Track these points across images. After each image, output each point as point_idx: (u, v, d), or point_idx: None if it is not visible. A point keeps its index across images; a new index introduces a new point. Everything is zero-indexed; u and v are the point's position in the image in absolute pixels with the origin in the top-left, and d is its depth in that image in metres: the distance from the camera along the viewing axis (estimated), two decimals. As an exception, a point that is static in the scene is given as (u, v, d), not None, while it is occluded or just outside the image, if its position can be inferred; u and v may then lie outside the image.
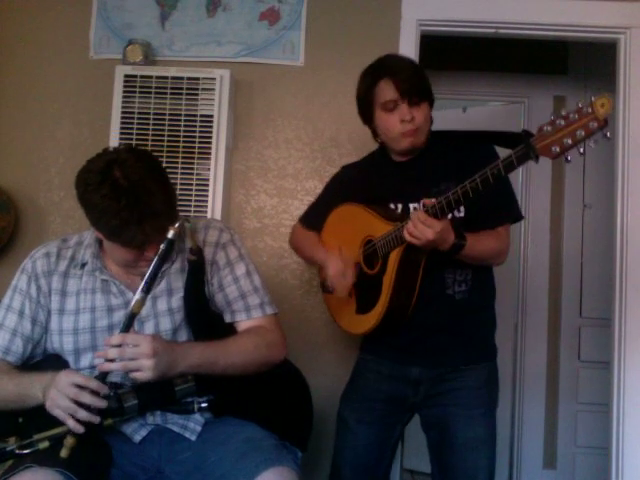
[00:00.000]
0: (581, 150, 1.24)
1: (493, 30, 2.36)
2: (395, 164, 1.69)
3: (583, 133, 1.21)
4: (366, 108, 1.66)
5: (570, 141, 1.23)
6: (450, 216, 1.57)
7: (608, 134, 1.22)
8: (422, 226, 1.41)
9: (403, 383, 1.66)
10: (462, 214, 1.59)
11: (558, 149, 1.24)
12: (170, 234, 1.25)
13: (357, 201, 1.70)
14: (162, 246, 1.25)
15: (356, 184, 1.75)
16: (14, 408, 1.31)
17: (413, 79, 1.56)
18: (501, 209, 1.62)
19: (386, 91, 1.58)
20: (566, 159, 1.26)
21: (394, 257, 1.56)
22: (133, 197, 1.21)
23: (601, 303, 2.82)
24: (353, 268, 1.65)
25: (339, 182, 1.83)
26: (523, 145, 1.28)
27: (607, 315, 2.40)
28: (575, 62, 3.36)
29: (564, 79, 3.34)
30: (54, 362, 1.41)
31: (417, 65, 1.65)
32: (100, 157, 1.28)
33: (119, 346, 1.22)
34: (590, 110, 1.20)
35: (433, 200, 1.43)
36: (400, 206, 1.63)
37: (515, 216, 1.67)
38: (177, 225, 1.26)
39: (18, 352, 1.40)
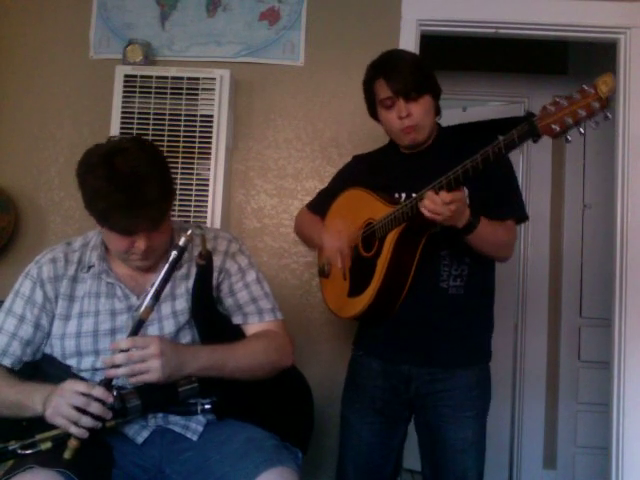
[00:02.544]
0: (581, 130, 1.24)
1: (493, 30, 2.36)
2: (403, 156, 1.70)
3: (584, 112, 1.21)
4: (370, 104, 1.69)
5: (571, 120, 1.23)
6: None
7: (609, 115, 1.22)
8: (440, 201, 1.38)
9: (396, 379, 1.66)
10: None
11: (558, 128, 1.24)
12: (181, 241, 1.26)
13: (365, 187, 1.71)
14: (173, 253, 1.26)
15: (364, 173, 1.76)
16: (10, 416, 1.30)
17: (408, 77, 1.56)
18: (508, 204, 1.63)
19: (382, 90, 1.60)
20: (566, 139, 1.27)
21: (390, 239, 1.56)
22: (126, 182, 1.22)
23: (601, 303, 2.82)
24: (350, 246, 1.63)
25: (348, 171, 1.85)
26: (525, 123, 1.29)
27: (607, 315, 2.40)
28: (575, 62, 3.37)
29: (564, 79, 3.34)
30: (54, 363, 1.40)
31: (416, 60, 1.65)
32: (106, 143, 1.30)
33: (126, 350, 1.22)
34: (593, 90, 1.20)
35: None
36: (404, 196, 1.63)
37: (520, 214, 1.66)
38: (189, 232, 1.27)
39: (15, 355, 1.39)
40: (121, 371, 1.22)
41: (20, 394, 1.29)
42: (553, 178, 3.33)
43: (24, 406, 1.27)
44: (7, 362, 1.39)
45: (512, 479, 3.25)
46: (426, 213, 1.41)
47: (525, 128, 1.29)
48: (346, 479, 1.73)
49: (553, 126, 1.25)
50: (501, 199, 1.60)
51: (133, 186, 1.22)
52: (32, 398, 1.25)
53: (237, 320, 1.47)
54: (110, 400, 1.21)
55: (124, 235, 1.30)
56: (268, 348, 1.40)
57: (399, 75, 1.57)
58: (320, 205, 1.85)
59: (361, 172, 1.78)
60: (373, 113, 1.70)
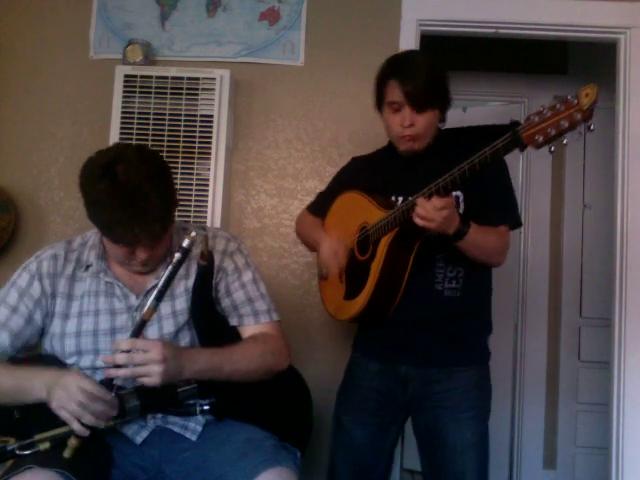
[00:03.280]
0: (564, 142, 1.24)
1: (493, 30, 2.36)
2: (401, 159, 1.69)
3: (567, 124, 1.21)
4: (379, 99, 1.67)
5: (554, 131, 1.23)
6: None
7: (592, 127, 1.21)
8: (431, 207, 1.39)
9: (393, 380, 1.66)
10: (461, 211, 1.59)
11: (541, 139, 1.24)
12: (185, 243, 1.26)
13: (360, 190, 1.71)
14: (177, 255, 1.26)
15: (362, 175, 1.76)
16: (7, 402, 1.29)
17: (422, 87, 1.54)
18: (502, 210, 1.63)
19: (393, 92, 1.59)
20: (550, 150, 1.27)
21: (384, 243, 1.56)
22: (128, 197, 1.21)
23: (601, 303, 2.82)
24: (346, 250, 1.64)
25: (347, 172, 1.86)
26: (510, 133, 1.29)
27: (607, 315, 2.40)
28: (575, 62, 3.36)
29: (564, 79, 3.34)
30: (49, 362, 1.39)
31: (433, 69, 1.60)
32: (108, 151, 1.29)
33: (128, 351, 1.22)
34: (576, 101, 1.20)
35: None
36: (401, 199, 1.63)
37: (515, 220, 1.67)
38: (193, 234, 1.26)
39: (2, 345, 1.38)
40: (122, 372, 1.22)
41: (19, 379, 1.28)
42: (553, 178, 3.33)
43: (24, 391, 1.26)
44: None
45: (512, 479, 3.25)
46: (418, 221, 1.42)
47: (509, 138, 1.29)
48: (336, 478, 1.73)
49: (536, 137, 1.25)
50: (495, 205, 1.60)
51: (135, 202, 1.21)
52: (33, 383, 1.25)
53: (233, 322, 1.47)
54: (108, 399, 1.21)
55: (125, 247, 1.30)
56: (265, 352, 1.40)
57: (414, 83, 1.54)
58: (320, 207, 1.86)
59: (359, 174, 1.78)
60: (379, 106, 1.68)
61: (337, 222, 1.77)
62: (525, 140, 1.27)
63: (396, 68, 1.60)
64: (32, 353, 1.45)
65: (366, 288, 1.59)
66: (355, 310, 1.63)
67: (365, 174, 1.75)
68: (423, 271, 1.59)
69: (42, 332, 1.42)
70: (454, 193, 1.55)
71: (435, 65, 1.62)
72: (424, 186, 1.46)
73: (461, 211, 1.59)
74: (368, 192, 1.68)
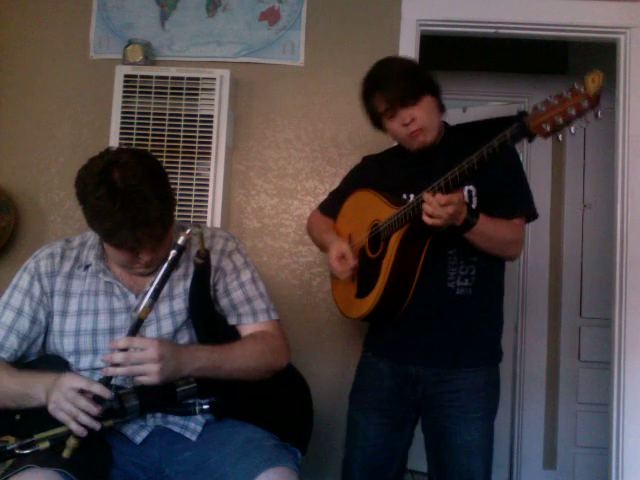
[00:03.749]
0: (572, 130, 1.24)
1: (493, 30, 2.36)
2: (411, 157, 1.69)
3: (574, 111, 1.20)
4: (373, 117, 1.68)
5: (561, 119, 1.22)
6: None
7: (599, 114, 1.20)
8: (437, 203, 1.40)
9: (403, 379, 1.66)
10: (474, 205, 1.59)
11: (549, 127, 1.24)
12: (180, 240, 1.26)
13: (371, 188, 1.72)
14: (172, 252, 1.26)
15: (373, 174, 1.77)
16: (11, 407, 1.30)
17: (400, 85, 1.56)
18: (516, 202, 1.63)
19: (380, 103, 1.61)
20: (558, 138, 1.27)
21: (394, 240, 1.56)
22: (128, 202, 1.21)
23: (601, 303, 2.82)
24: (356, 252, 1.64)
25: (358, 172, 1.86)
26: (517, 123, 1.29)
27: (607, 315, 2.40)
28: (575, 62, 3.36)
29: (564, 79, 3.33)
30: (53, 362, 1.40)
31: (407, 65, 1.65)
32: (102, 157, 1.28)
33: (125, 350, 1.22)
34: (583, 89, 1.19)
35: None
36: (412, 196, 1.62)
37: (530, 212, 1.66)
38: (188, 232, 1.26)
39: (12, 349, 1.39)
40: (119, 371, 1.22)
41: (22, 385, 1.29)
42: (553, 178, 3.32)
43: (27, 397, 1.27)
44: (4, 355, 1.39)
45: (512, 479, 3.25)
46: (427, 219, 1.42)
47: (517, 128, 1.29)
48: (350, 477, 1.73)
49: (544, 126, 1.24)
50: (507, 197, 1.60)
51: (136, 206, 1.21)
52: (35, 388, 1.26)
53: (232, 321, 1.47)
54: (107, 396, 1.21)
55: (129, 251, 1.30)
56: (264, 350, 1.40)
57: (392, 85, 1.57)
58: (331, 206, 1.86)
59: (370, 173, 1.79)
60: (377, 125, 1.70)
61: (349, 220, 1.78)
62: (533, 129, 1.26)
63: (373, 83, 1.63)
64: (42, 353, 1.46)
65: (377, 286, 1.59)
66: (367, 308, 1.62)
67: (375, 173, 1.76)
68: (435, 269, 1.58)
69: (47, 331, 1.42)
70: (466, 187, 1.56)
71: (407, 61, 1.68)
72: (432, 183, 1.46)
73: (474, 205, 1.59)
74: (379, 190, 1.68)
